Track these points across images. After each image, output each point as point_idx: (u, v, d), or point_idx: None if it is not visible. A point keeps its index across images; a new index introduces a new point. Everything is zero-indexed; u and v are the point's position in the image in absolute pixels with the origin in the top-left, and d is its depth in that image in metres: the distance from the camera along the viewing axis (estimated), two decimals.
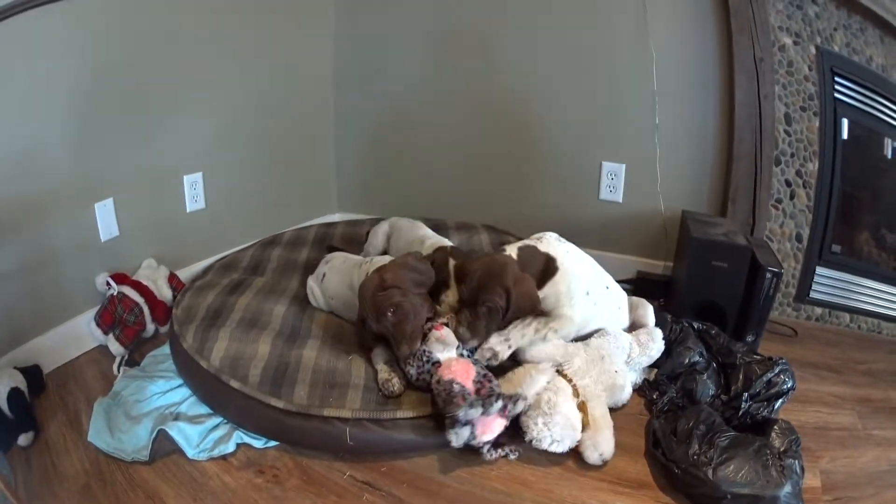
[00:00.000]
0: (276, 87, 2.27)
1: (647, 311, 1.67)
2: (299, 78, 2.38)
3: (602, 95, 2.14)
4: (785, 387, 1.47)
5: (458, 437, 1.28)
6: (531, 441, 1.32)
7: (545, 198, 2.13)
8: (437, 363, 1.39)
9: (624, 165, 2.16)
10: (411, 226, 1.91)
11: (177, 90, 1.91)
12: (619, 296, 1.68)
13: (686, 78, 2.03)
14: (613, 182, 2.19)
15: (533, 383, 1.34)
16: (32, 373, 1.56)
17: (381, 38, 2.41)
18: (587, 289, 1.55)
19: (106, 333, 1.75)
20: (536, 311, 1.50)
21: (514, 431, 1.36)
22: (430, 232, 1.86)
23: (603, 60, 2.11)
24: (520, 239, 2.14)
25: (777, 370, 1.49)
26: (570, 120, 2.20)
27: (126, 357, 1.70)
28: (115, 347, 1.72)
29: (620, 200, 2.20)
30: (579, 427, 1.34)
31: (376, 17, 2.40)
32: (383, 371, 1.43)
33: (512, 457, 1.35)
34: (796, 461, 1.28)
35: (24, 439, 1.38)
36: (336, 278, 1.69)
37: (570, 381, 1.40)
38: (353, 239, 2.17)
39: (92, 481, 1.28)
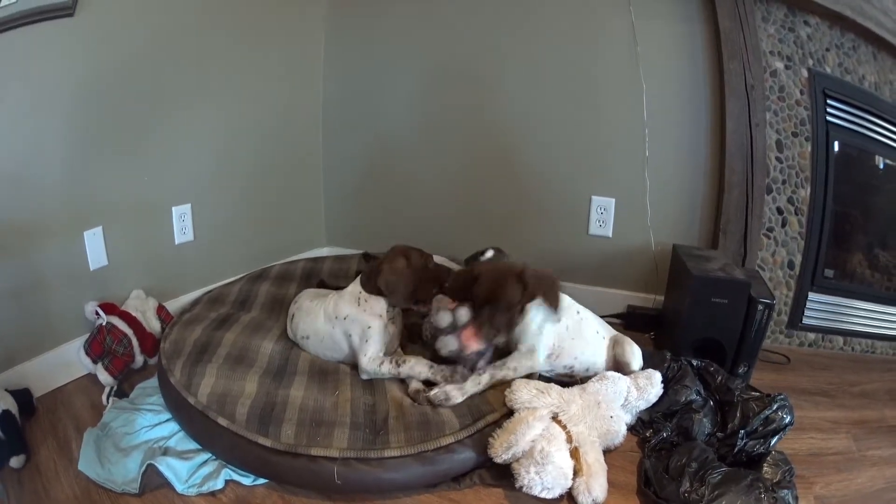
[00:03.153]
0: (265, 120, 2.27)
1: (632, 349, 1.66)
2: (288, 111, 2.37)
3: (591, 129, 2.13)
4: (783, 423, 1.47)
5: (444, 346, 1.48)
6: (521, 487, 1.31)
7: (534, 234, 2.14)
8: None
9: (613, 200, 2.16)
10: None
11: (167, 120, 1.91)
12: (595, 320, 1.70)
13: (676, 109, 2.03)
14: (603, 217, 2.18)
15: (528, 430, 1.33)
16: (23, 396, 1.56)
17: (370, 72, 2.40)
18: (557, 315, 1.56)
19: (95, 363, 1.74)
20: (556, 286, 1.52)
21: (504, 472, 1.35)
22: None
23: (592, 93, 2.11)
24: None
25: (775, 407, 1.48)
26: (559, 154, 2.19)
27: (115, 388, 1.69)
28: (105, 377, 1.72)
29: (610, 235, 2.19)
30: (571, 475, 1.33)
31: (366, 52, 2.39)
32: (439, 373, 1.50)
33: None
34: (789, 491, 1.29)
35: (15, 462, 1.39)
36: (308, 317, 1.68)
37: (564, 427, 1.39)
38: (339, 274, 2.16)
39: None
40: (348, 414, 1.42)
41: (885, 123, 1.99)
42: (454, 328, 1.55)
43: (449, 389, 1.46)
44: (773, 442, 1.45)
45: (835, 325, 2.07)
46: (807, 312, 2.06)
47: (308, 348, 1.68)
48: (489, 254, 1.86)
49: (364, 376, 1.56)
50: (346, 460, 1.31)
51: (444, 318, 1.56)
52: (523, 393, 1.42)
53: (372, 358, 1.54)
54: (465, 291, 1.51)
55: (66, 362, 1.72)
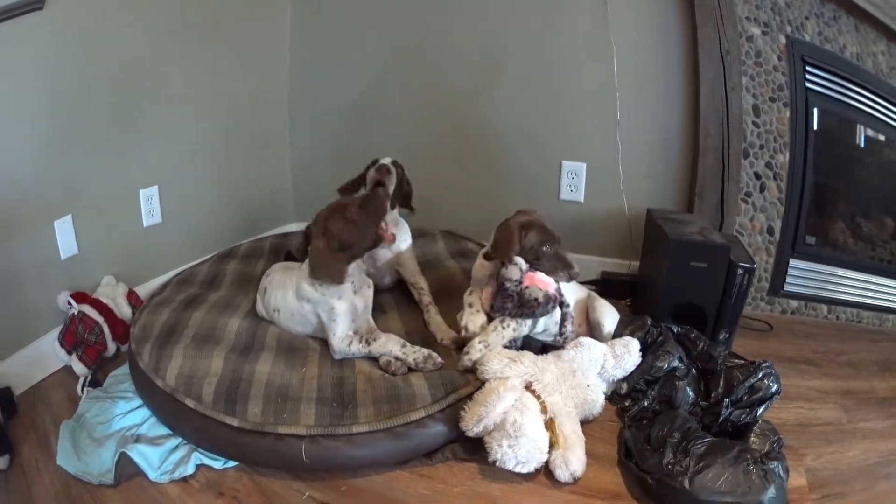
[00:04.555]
0: (232, 98, 2.24)
1: (604, 309, 1.64)
2: (255, 88, 2.35)
3: (561, 93, 2.10)
4: (770, 391, 1.42)
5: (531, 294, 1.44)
6: (495, 462, 1.27)
7: (504, 200, 2.04)
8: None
9: (584, 164, 2.13)
10: None
11: (133, 103, 1.88)
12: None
13: (649, 72, 1.99)
14: (574, 181, 2.15)
15: (499, 401, 1.28)
16: (4, 395, 1.51)
17: (337, 47, 2.36)
18: None
19: (70, 354, 1.71)
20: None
21: (478, 446, 1.32)
22: None
23: (562, 57, 2.07)
24: (479, 245, 2.10)
25: (761, 375, 1.43)
26: (528, 119, 2.16)
27: (89, 377, 1.66)
28: (79, 368, 1.69)
29: (582, 200, 2.16)
30: (546, 448, 1.29)
31: (332, 27, 2.35)
32: (411, 353, 1.47)
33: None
34: (779, 463, 1.24)
35: (1, 462, 1.35)
36: (278, 292, 1.64)
37: (538, 397, 1.34)
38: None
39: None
40: (315, 389, 1.39)
41: (868, 93, 1.96)
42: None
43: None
44: (759, 411, 1.40)
45: (818, 293, 2.05)
46: (788, 279, 2.03)
47: (279, 322, 1.64)
48: (386, 160, 1.82)
49: (337, 356, 1.51)
50: (314, 437, 1.28)
51: (514, 271, 1.47)
52: (494, 363, 1.37)
53: (341, 338, 1.50)
54: (510, 246, 1.47)
55: (42, 357, 1.68)
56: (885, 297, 2.08)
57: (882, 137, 2.03)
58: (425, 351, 1.46)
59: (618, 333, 1.62)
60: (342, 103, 2.43)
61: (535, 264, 1.49)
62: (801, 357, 1.83)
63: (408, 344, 1.48)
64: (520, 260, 1.47)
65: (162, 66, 1.95)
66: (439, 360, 1.46)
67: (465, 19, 2.16)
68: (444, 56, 2.22)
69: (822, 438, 1.46)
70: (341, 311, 1.50)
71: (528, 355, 1.41)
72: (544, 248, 1.49)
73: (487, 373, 1.37)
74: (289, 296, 1.59)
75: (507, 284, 1.44)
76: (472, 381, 1.41)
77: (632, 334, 1.59)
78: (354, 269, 1.53)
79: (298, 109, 2.49)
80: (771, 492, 1.17)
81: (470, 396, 1.35)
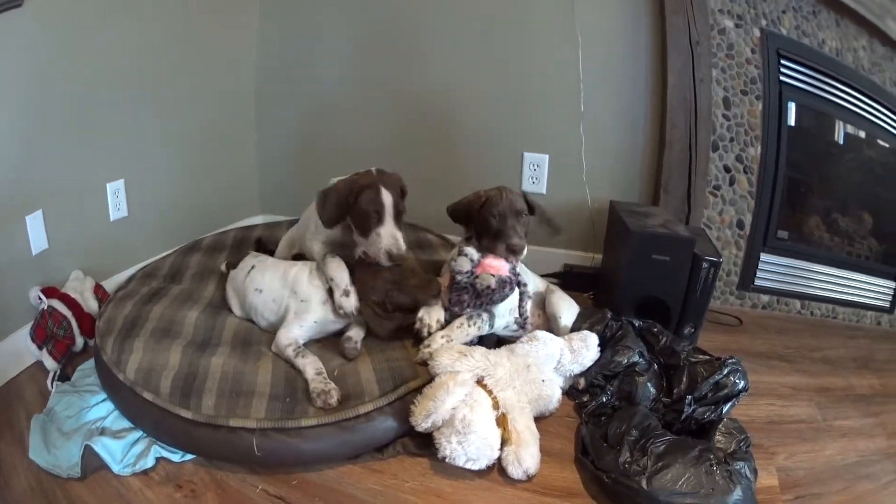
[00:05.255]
0: (197, 91, 2.23)
1: (560, 302, 1.61)
2: (220, 79, 2.33)
3: (523, 83, 2.07)
4: (736, 388, 1.38)
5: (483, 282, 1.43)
6: (444, 458, 1.24)
7: (464, 192, 2.04)
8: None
9: (547, 156, 2.11)
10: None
11: (102, 98, 1.87)
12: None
13: (614, 63, 1.97)
14: (536, 173, 2.14)
15: (448, 396, 1.24)
16: None
17: (301, 40, 2.35)
18: None
19: (40, 349, 1.71)
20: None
21: (430, 440, 1.29)
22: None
23: (525, 47, 2.04)
24: (439, 237, 2.10)
25: (726, 371, 1.39)
26: (489, 110, 2.14)
27: (59, 372, 1.67)
28: (49, 362, 1.69)
29: (544, 192, 2.14)
30: (497, 445, 1.26)
31: (298, 20, 2.33)
32: (318, 382, 1.36)
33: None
34: (746, 463, 1.19)
35: None
36: (268, 273, 1.63)
37: (490, 392, 1.30)
38: (270, 240, 2.13)
39: (36, 498, 1.25)
40: (268, 383, 1.38)
41: (848, 89, 1.93)
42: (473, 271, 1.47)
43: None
44: (725, 409, 1.36)
45: (791, 288, 2.02)
46: (759, 274, 2.01)
47: (255, 302, 1.62)
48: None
49: (273, 349, 1.50)
50: (265, 431, 1.27)
51: (463, 263, 1.46)
52: (444, 357, 1.34)
53: (289, 337, 1.49)
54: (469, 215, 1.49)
55: (17, 352, 1.67)
56: (862, 292, 2.06)
57: (862, 134, 2.00)
58: (328, 388, 1.35)
59: (576, 327, 1.58)
60: (307, 98, 2.42)
61: (487, 240, 1.49)
62: (772, 353, 1.79)
63: (323, 373, 1.40)
64: (469, 250, 1.45)
65: (129, 62, 1.94)
66: (333, 402, 1.33)
67: (428, 13, 2.14)
68: (409, 47, 2.20)
69: (796, 437, 1.43)
70: (312, 316, 1.51)
71: (479, 350, 1.38)
72: (492, 220, 1.47)
73: (437, 367, 1.34)
74: (277, 280, 1.59)
75: (459, 277, 1.43)
76: (421, 374, 1.39)
77: (591, 328, 1.55)
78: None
79: (264, 103, 2.49)
80: (737, 493, 1.13)
81: (420, 390, 1.32)
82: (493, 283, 1.42)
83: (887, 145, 2.00)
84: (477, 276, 1.43)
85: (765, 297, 2.03)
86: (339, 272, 1.50)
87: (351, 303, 1.48)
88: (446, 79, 2.18)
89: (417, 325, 1.48)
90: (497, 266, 1.44)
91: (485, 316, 1.51)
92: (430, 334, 1.46)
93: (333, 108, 2.40)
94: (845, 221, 2.04)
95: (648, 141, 1.98)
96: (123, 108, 1.96)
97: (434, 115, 2.22)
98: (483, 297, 1.43)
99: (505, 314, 1.54)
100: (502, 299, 1.46)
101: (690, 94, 1.85)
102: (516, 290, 1.50)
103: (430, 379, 1.35)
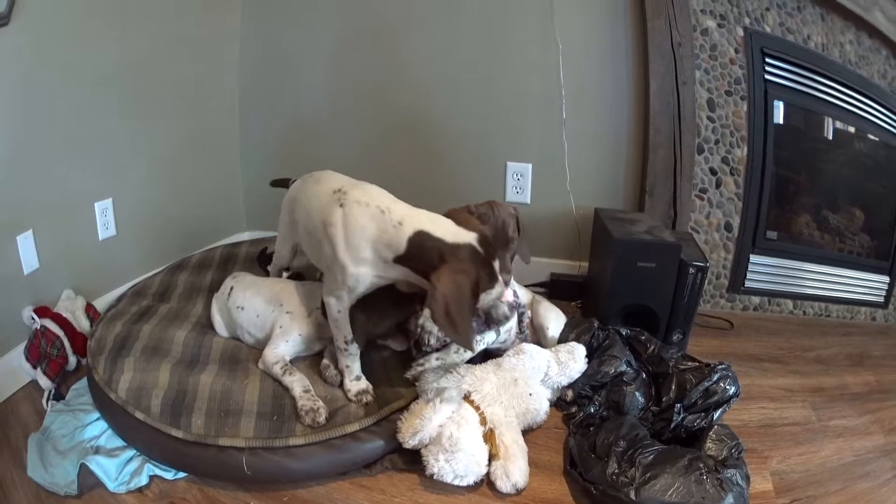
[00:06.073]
0: (181, 109, 2.23)
1: (547, 313, 1.60)
2: (204, 96, 2.33)
3: (505, 92, 2.06)
4: (726, 394, 1.35)
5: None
6: (432, 475, 1.24)
7: (448, 203, 2.04)
8: None
9: (530, 165, 2.10)
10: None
11: (84, 114, 1.87)
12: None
13: (595, 69, 1.96)
14: (520, 182, 2.13)
15: (434, 414, 1.24)
16: None
17: (284, 55, 2.34)
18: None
19: (35, 368, 1.72)
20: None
21: (417, 456, 1.29)
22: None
23: (505, 55, 2.03)
24: None
25: (716, 377, 1.37)
26: (472, 120, 2.13)
27: (53, 391, 1.68)
28: (44, 382, 1.70)
29: (528, 201, 2.13)
30: (484, 461, 1.26)
31: (281, 34, 2.33)
32: (305, 399, 1.36)
33: None
34: (737, 470, 1.18)
35: None
36: (249, 291, 1.64)
37: (477, 409, 1.30)
38: (255, 257, 2.15)
39: None
40: (256, 402, 1.38)
41: (835, 84, 1.92)
42: None
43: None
44: (716, 415, 1.34)
45: (782, 289, 2.00)
46: (749, 275, 1.99)
47: (239, 318, 1.63)
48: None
49: (260, 365, 1.50)
50: (254, 449, 1.28)
51: None
52: (430, 374, 1.34)
53: (276, 354, 1.49)
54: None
55: (12, 371, 1.67)
56: (855, 289, 2.05)
57: (851, 129, 1.99)
58: (316, 405, 1.35)
59: (564, 337, 1.58)
60: (291, 112, 2.42)
61: None
62: (765, 355, 1.78)
63: (310, 391, 1.40)
64: None
65: (114, 80, 1.94)
66: (322, 420, 1.33)
67: (411, 22, 2.13)
68: (392, 57, 2.18)
69: (790, 439, 1.41)
70: (295, 334, 1.51)
71: (465, 366, 1.38)
72: None
73: (424, 383, 1.34)
74: (260, 298, 1.60)
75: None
76: (404, 395, 1.39)
77: (578, 338, 1.55)
78: None
79: (248, 119, 2.48)
80: (728, 501, 1.11)
81: (405, 408, 1.32)
82: (507, 310, 1.37)
83: (876, 139, 1.99)
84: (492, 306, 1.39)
85: (756, 299, 2.02)
86: (355, 362, 1.45)
87: (360, 387, 1.43)
88: (429, 90, 2.17)
89: (418, 333, 1.44)
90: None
91: (477, 337, 1.49)
92: (428, 342, 1.44)
93: (315, 122, 2.39)
94: (836, 218, 2.03)
95: (632, 146, 1.97)
96: (109, 125, 1.97)
97: (416, 124, 2.21)
98: (495, 324, 1.38)
99: (501, 332, 1.52)
100: (506, 322, 1.42)
101: (673, 98, 1.83)
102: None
103: (415, 397, 1.35)
